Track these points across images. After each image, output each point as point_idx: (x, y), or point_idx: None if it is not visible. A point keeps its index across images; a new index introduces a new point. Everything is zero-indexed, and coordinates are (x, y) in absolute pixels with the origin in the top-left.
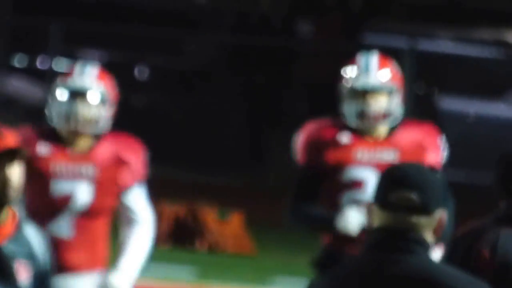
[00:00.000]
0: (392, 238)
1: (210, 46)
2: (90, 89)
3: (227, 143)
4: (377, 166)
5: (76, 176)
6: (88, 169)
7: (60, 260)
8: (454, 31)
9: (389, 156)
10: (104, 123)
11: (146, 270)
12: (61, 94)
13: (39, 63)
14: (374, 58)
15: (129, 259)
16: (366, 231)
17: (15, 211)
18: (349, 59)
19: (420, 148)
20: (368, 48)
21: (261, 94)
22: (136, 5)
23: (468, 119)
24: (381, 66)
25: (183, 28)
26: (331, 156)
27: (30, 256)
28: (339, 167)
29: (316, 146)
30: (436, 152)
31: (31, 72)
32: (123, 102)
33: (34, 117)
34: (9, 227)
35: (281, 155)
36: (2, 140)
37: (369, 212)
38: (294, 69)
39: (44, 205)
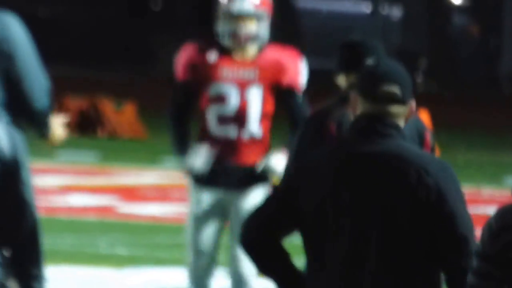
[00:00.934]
0: (373, 123)
1: None
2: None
3: (122, 42)
4: (238, 83)
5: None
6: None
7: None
8: None
9: (250, 74)
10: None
11: (53, 156)
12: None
13: None
14: None
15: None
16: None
17: None
18: None
19: (280, 68)
20: None
21: None
22: None
23: (321, 14)
24: None
25: None
26: (201, 73)
27: None
28: (207, 83)
29: (191, 65)
30: (296, 74)
31: None
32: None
33: None
34: None
35: (168, 51)
36: None
37: (354, 102)
38: None
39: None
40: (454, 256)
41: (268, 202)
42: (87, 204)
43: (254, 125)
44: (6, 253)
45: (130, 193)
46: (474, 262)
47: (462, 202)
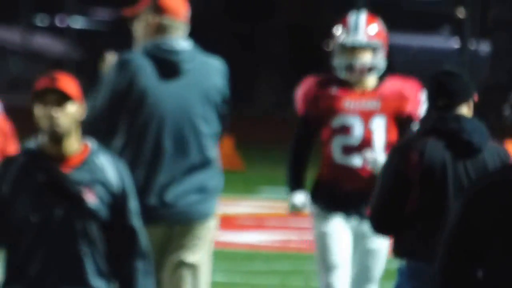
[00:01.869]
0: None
1: None
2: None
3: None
4: (361, 114)
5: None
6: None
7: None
8: None
9: (373, 105)
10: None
11: None
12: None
13: (58, 21)
14: (362, 17)
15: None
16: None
17: (88, 143)
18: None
19: (402, 99)
20: None
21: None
22: None
23: (411, 50)
24: (368, 24)
25: None
26: (324, 106)
27: (101, 182)
28: (330, 115)
29: (312, 99)
30: (416, 104)
31: (52, 30)
32: None
33: (57, 68)
34: (77, 158)
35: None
36: (54, 81)
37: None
38: None
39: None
40: None
41: (463, 239)
42: None
43: (380, 154)
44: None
45: (228, 222)
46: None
47: None
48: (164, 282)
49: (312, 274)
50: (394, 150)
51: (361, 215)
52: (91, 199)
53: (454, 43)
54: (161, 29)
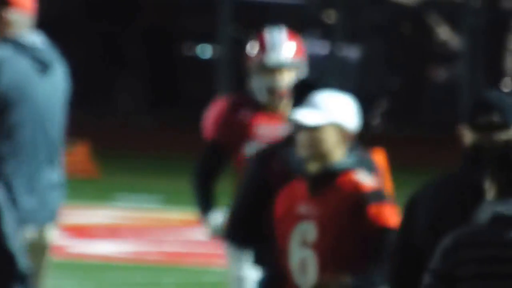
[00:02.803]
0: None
1: None
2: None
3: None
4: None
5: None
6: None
7: None
8: None
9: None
10: None
11: None
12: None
13: None
14: (281, 34)
15: None
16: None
17: None
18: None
19: None
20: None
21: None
22: None
23: None
24: (288, 42)
25: None
26: (235, 132)
27: None
28: (241, 143)
29: (223, 124)
30: None
31: None
32: None
33: None
34: None
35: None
36: None
37: (461, 133)
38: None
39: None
40: None
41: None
42: None
43: None
44: None
45: (81, 232)
46: (426, 279)
47: None
48: None
49: (168, 287)
50: (254, 159)
51: None
52: None
53: (322, 49)
54: (9, 24)
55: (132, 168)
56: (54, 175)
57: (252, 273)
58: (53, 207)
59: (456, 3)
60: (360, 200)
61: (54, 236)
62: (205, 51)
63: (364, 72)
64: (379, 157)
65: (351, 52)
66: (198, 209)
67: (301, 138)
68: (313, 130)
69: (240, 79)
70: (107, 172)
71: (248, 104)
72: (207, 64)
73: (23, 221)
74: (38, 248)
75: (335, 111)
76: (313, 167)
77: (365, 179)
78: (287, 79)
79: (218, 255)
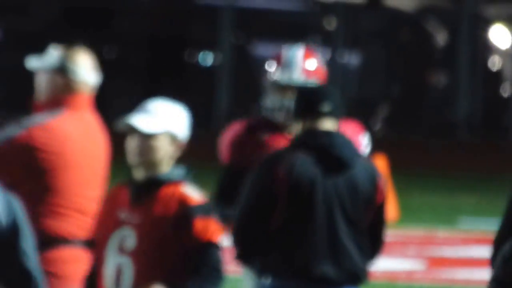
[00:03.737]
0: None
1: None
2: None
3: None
4: None
5: None
6: None
7: None
8: None
9: None
10: None
11: None
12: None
13: None
14: (299, 53)
15: None
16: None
17: None
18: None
19: None
20: (194, 7)
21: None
22: None
23: None
24: (306, 59)
25: None
26: (251, 155)
27: None
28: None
29: (238, 146)
30: (359, 147)
31: None
32: None
33: None
34: None
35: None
36: None
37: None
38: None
39: None
40: None
41: None
42: None
43: None
44: None
45: None
46: (490, 286)
47: None
48: None
49: None
50: (261, 165)
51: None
52: None
53: (323, 55)
54: None
55: None
56: None
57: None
58: None
59: (455, 9)
60: (186, 213)
61: None
62: (207, 58)
63: (364, 78)
64: (380, 162)
65: (352, 59)
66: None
67: (133, 144)
68: (147, 138)
69: (239, 87)
70: None
71: (264, 126)
72: (209, 71)
73: None
74: None
75: (169, 120)
76: (139, 174)
77: (193, 192)
78: None
79: (233, 263)
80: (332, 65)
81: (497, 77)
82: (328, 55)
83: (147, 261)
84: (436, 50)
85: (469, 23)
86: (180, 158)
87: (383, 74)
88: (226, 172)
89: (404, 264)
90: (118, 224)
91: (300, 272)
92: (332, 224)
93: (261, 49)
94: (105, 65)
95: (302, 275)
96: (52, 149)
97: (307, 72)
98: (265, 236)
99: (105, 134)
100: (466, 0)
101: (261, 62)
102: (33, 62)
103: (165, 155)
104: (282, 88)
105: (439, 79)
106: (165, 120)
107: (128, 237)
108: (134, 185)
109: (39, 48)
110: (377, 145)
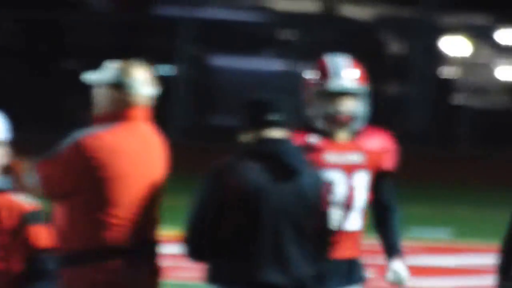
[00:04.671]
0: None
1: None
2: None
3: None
4: (345, 168)
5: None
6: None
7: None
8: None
9: (357, 158)
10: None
11: None
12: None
13: None
14: (345, 61)
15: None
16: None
17: None
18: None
19: (385, 153)
20: (155, 19)
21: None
22: None
23: (234, 72)
24: (352, 67)
25: None
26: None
27: None
28: None
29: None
30: (394, 158)
31: None
32: None
33: None
34: None
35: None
36: None
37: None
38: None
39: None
40: None
41: None
42: None
43: (358, 215)
44: None
45: None
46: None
47: None
48: None
49: None
50: (210, 173)
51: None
52: None
53: (278, 66)
54: None
55: None
56: None
57: None
58: None
59: (409, 19)
60: (20, 221)
61: None
62: (165, 71)
63: None
64: None
65: (307, 69)
66: None
67: None
68: None
69: (197, 100)
70: None
71: (311, 132)
72: (167, 83)
73: None
74: None
75: None
76: None
77: (24, 200)
78: (350, 105)
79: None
80: (288, 76)
81: (448, 86)
82: (284, 65)
83: None
84: (389, 59)
85: (424, 33)
86: None
87: None
88: None
89: None
90: None
91: (247, 279)
92: (279, 231)
93: (219, 60)
94: (63, 76)
95: (250, 282)
96: (102, 159)
97: (357, 79)
98: (215, 245)
99: (164, 146)
100: (421, 10)
101: (219, 73)
102: (90, 76)
103: None
104: (330, 96)
105: (392, 88)
106: None
107: None
108: None
109: None
110: None
